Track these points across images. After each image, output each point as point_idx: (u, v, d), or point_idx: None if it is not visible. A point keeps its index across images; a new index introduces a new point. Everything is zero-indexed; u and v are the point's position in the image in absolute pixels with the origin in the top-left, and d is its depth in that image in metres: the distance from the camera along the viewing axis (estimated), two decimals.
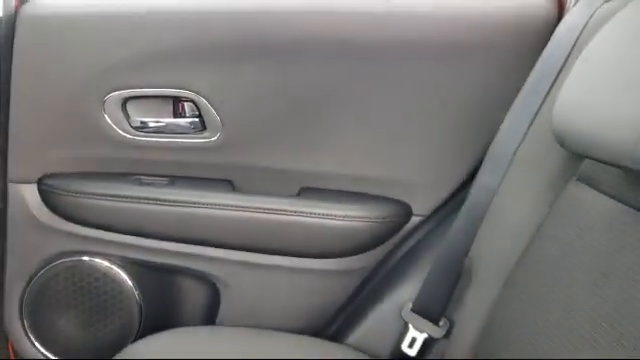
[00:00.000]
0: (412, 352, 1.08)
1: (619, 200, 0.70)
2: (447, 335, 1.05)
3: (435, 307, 1.08)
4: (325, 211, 1.17)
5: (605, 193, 0.73)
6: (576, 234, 0.76)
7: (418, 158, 1.18)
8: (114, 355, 1.00)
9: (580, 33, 0.96)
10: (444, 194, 1.18)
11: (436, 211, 1.19)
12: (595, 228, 0.72)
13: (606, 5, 0.96)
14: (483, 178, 1.05)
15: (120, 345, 1.06)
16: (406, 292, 1.15)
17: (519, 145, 0.99)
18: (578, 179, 0.80)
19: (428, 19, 1.10)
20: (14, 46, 1.09)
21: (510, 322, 0.82)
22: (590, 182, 0.77)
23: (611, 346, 0.60)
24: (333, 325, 1.22)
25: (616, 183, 0.72)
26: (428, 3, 1.11)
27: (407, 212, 1.20)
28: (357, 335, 1.17)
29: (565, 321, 0.69)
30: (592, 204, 0.75)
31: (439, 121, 1.15)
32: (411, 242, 1.21)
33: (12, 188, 1.15)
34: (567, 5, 1.09)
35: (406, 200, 1.20)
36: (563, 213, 0.81)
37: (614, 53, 0.74)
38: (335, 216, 1.17)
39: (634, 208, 0.67)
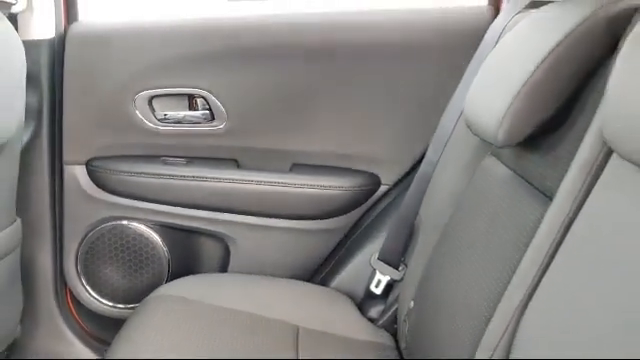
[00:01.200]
0: (378, 291, 1.38)
1: (510, 168, 0.97)
2: (404, 277, 1.34)
3: (395, 256, 1.37)
4: (311, 182, 1.46)
5: (504, 163, 1.01)
6: (483, 194, 1.04)
7: (385, 139, 1.46)
8: (148, 295, 1.31)
9: (498, 37, 1.22)
10: (405, 168, 1.46)
11: (399, 181, 1.48)
12: (494, 189, 1.00)
13: (516, 16, 1.22)
14: (429, 155, 1.33)
15: (153, 288, 1.36)
16: (374, 245, 1.44)
17: (453, 129, 1.27)
18: (491, 154, 1.08)
19: (388, 26, 1.38)
20: (65, 57, 1.39)
21: (443, 263, 1.11)
22: (497, 156, 1.04)
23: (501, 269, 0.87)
24: (319, 273, 1.52)
25: (510, 155, 1.00)
26: (389, 13, 1.39)
27: (377, 182, 1.49)
28: (337, 280, 1.48)
29: (467, 249, 0.98)
30: (495, 172, 1.02)
31: (401, 109, 1.43)
32: (380, 206, 1.51)
33: (67, 169, 1.46)
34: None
35: (376, 172, 1.49)
36: (478, 179, 1.08)
37: (499, 58, 1.01)
38: (320, 186, 1.46)
39: (515, 173, 0.94)
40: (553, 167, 0.82)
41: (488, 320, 0.82)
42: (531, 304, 0.74)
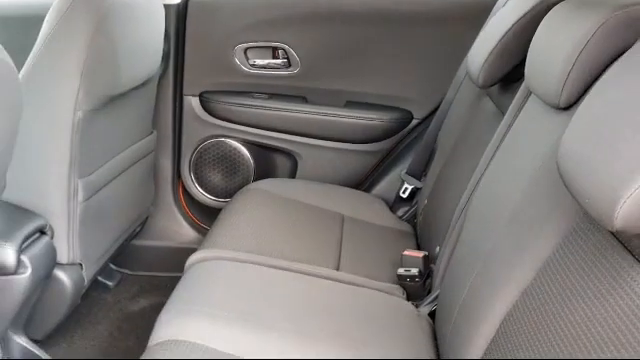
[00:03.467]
0: (404, 196, 1.89)
1: (494, 103, 1.44)
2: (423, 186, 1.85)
3: (418, 171, 1.88)
4: (359, 115, 1.97)
5: (492, 101, 1.48)
6: (474, 123, 1.52)
7: (416, 84, 1.94)
8: (240, 190, 1.85)
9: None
10: (431, 106, 1.94)
11: (427, 117, 1.96)
12: (483, 123, 1.47)
13: None
14: (448, 96, 1.81)
15: (242, 186, 1.90)
16: (404, 163, 1.95)
17: (464, 77, 1.74)
18: (486, 94, 1.54)
19: (419, 2, 1.85)
20: (187, 17, 1.92)
21: (446, 175, 1.59)
22: (490, 96, 1.51)
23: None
24: (363, 182, 2.05)
25: (496, 93, 1.45)
26: None
27: (409, 117, 1.98)
28: (376, 188, 2.01)
29: (460, 165, 1.48)
30: (486, 108, 1.50)
31: (428, 61, 1.90)
32: (412, 135, 2.00)
33: (185, 99, 2.01)
34: None
35: (409, 109, 1.98)
36: (474, 113, 1.56)
37: (494, 25, 1.45)
38: (366, 118, 1.97)
39: (497, 107, 1.41)
40: (510, 100, 1.29)
41: (464, 198, 1.33)
42: (473, 196, 1.24)
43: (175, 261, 1.61)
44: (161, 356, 1.05)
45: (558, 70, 0.93)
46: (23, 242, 1.24)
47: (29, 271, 1.25)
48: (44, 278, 1.33)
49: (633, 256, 0.70)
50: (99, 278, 1.90)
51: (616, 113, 0.69)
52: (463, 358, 0.99)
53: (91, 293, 1.89)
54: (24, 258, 1.24)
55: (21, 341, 1.42)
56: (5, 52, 0.92)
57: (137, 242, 2.02)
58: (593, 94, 0.77)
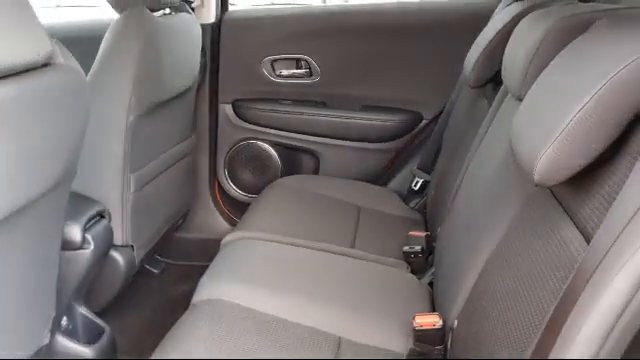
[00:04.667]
0: (416, 188, 2.10)
1: (488, 102, 1.64)
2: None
3: (427, 165, 2.08)
4: (374, 117, 2.20)
5: (486, 100, 1.68)
6: (472, 121, 1.72)
7: (425, 88, 2.16)
8: (269, 185, 2.09)
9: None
10: (439, 107, 2.15)
11: (435, 117, 2.17)
12: (479, 121, 1.67)
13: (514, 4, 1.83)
14: (452, 98, 2.02)
15: (270, 182, 2.14)
16: (415, 159, 2.17)
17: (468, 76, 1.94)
18: (482, 95, 1.74)
19: (426, 11, 2.07)
20: (220, 35, 2.18)
21: (449, 167, 1.79)
22: (485, 96, 1.72)
23: None
24: (378, 178, 2.27)
25: (489, 94, 1.65)
26: (426, 4, 2.07)
27: (419, 117, 2.20)
28: (390, 182, 2.22)
29: (462, 154, 1.69)
30: (482, 107, 1.70)
31: (435, 68, 2.11)
32: (422, 134, 2.21)
33: (220, 106, 2.27)
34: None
35: (419, 110, 2.20)
36: (473, 112, 1.76)
37: (485, 32, 1.65)
38: (380, 119, 2.20)
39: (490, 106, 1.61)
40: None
41: (457, 183, 1.53)
42: (462, 180, 1.45)
43: (212, 251, 1.82)
44: (204, 312, 1.28)
45: (519, 68, 1.14)
46: (87, 223, 1.50)
47: (91, 247, 1.50)
48: (103, 255, 1.59)
49: (563, 209, 0.90)
50: (146, 266, 2.15)
51: (544, 95, 0.90)
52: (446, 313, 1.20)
53: (138, 279, 2.15)
54: (87, 236, 1.49)
55: (82, 311, 1.67)
56: (79, 66, 1.18)
57: (178, 234, 2.27)
58: (535, 85, 0.98)
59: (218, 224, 2.36)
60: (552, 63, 0.98)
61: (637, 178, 0.66)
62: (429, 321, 1.22)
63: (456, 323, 1.17)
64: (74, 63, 1.18)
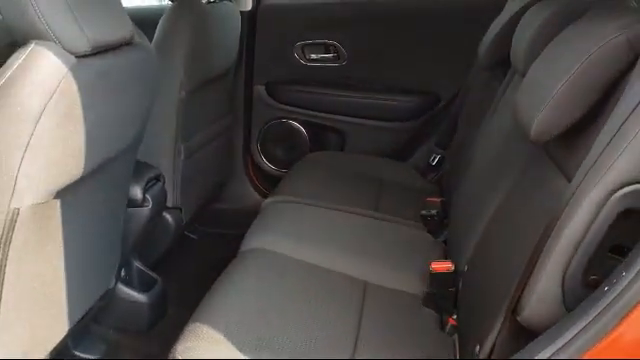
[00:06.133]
0: (433, 163, 2.30)
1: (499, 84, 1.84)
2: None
3: (445, 142, 2.28)
4: (396, 97, 2.40)
5: (498, 82, 1.87)
6: (485, 102, 1.92)
7: (443, 70, 2.35)
8: (301, 159, 2.30)
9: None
10: (456, 89, 2.34)
11: (452, 99, 2.37)
12: (491, 102, 1.87)
13: None
14: (467, 80, 2.21)
15: (299, 157, 2.35)
16: (433, 138, 2.36)
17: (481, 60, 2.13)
18: (494, 78, 1.93)
19: (442, 1, 2.26)
20: (257, 21, 2.39)
21: (464, 142, 1.99)
22: (497, 79, 1.91)
23: None
24: (399, 154, 2.47)
25: (501, 76, 1.84)
26: None
27: (437, 98, 2.40)
28: (410, 158, 2.43)
29: (478, 126, 1.89)
30: (494, 89, 1.89)
31: (453, 51, 2.30)
32: (440, 114, 2.41)
33: (255, 87, 2.49)
34: None
35: (437, 92, 2.39)
36: (486, 94, 1.95)
37: (499, 19, 1.84)
38: (401, 100, 2.40)
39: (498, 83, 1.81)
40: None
41: (469, 156, 1.73)
42: (474, 153, 1.65)
43: (244, 221, 1.91)
44: (251, 259, 1.50)
45: (524, 49, 1.34)
46: (146, 184, 1.72)
47: (150, 205, 1.72)
48: (158, 214, 1.81)
49: (555, 164, 1.10)
50: (185, 232, 2.38)
51: (542, 70, 1.10)
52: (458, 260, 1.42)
53: (180, 245, 2.38)
54: (147, 195, 1.72)
55: (137, 264, 1.90)
56: (151, 46, 1.40)
57: (215, 205, 2.50)
58: (535, 62, 1.18)
59: (250, 195, 2.58)
60: (550, 44, 1.18)
61: (610, 128, 0.86)
62: (443, 266, 1.43)
63: (466, 268, 1.38)
64: (147, 43, 1.40)
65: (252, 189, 2.58)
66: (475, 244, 1.37)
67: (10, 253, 1.07)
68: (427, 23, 2.30)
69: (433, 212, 1.81)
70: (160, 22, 1.83)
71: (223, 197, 2.54)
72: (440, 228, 1.81)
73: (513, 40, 1.50)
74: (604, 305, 0.74)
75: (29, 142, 0.99)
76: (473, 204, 1.48)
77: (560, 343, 0.76)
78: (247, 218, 1.88)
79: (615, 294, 0.74)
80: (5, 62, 1.01)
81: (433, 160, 2.30)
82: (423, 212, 1.82)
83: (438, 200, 1.84)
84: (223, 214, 2.56)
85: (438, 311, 1.41)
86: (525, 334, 0.89)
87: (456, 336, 1.35)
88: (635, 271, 0.73)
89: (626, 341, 0.73)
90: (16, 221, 1.05)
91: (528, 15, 1.47)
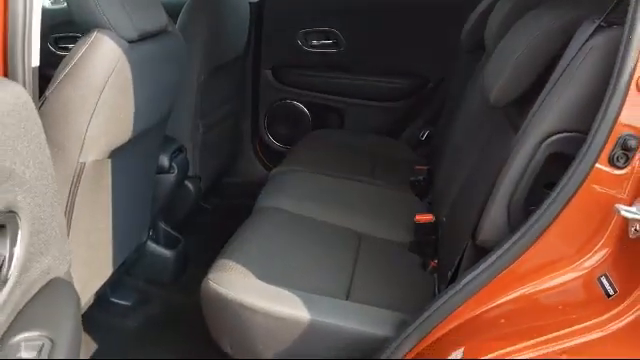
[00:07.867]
0: (423, 139, 2.57)
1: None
2: None
3: (434, 120, 2.55)
4: (389, 79, 2.67)
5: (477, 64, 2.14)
6: (467, 82, 2.18)
7: (432, 55, 2.61)
8: (304, 136, 2.57)
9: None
10: (443, 73, 2.61)
11: (440, 81, 2.63)
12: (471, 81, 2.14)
13: None
14: (453, 64, 2.47)
15: (302, 135, 2.61)
16: (423, 116, 2.63)
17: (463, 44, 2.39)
18: (475, 61, 2.20)
19: None
20: (264, 10, 2.65)
21: (448, 121, 2.26)
22: (477, 62, 2.18)
23: None
24: (391, 131, 2.73)
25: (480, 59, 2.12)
26: None
27: (427, 81, 2.67)
28: (402, 135, 2.69)
29: (457, 109, 2.16)
30: (475, 70, 2.15)
31: (441, 37, 2.55)
32: (429, 96, 2.67)
33: (262, 71, 2.74)
34: None
35: (426, 74, 2.66)
36: (468, 74, 2.22)
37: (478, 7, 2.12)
38: (393, 82, 2.66)
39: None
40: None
41: (449, 128, 2.01)
42: (454, 124, 1.93)
43: (252, 192, 2.16)
44: (265, 215, 1.77)
45: (494, 32, 1.61)
46: (172, 153, 1.99)
47: (175, 171, 1.99)
48: (182, 180, 2.09)
49: (510, 123, 1.38)
50: (200, 203, 2.65)
51: (504, 48, 1.38)
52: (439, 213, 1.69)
53: (196, 215, 2.64)
54: (173, 164, 1.99)
55: (162, 225, 2.18)
56: (178, 30, 1.67)
57: (226, 179, 2.77)
58: (500, 42, 1.45)
59: (257, 169, 2.85)
60: (512, 28, 1.45)
61: (544, 92, 1.12)
62: (426, 217, 1.71)
63: (444, 219, 1.66)
64: (176, 30, 1.67)
65: (259, 164, 2.85)
66: (452, 200, 1.64)
67: (77, 199, 1.34)
68: (418, 13, 2.56)
69: (420, 178, 2.08)
70: (182, 11, 2.09)
71: (233, 171, 2.80)
72: (426, 192, 2.09)
73: (487, 25, 1.77)
74: (531, 223, 1.02)
75: (95, 109, 1.26)
76: (452, 168, 1.76)
77: (499, 252, 1.04)
78: (254, 190, 2.11)
79: (538, 216, 1.01)
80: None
81: (422, 135, 2.57)
82: (412, 178, 2.09)
83: (425, 168, 2.12)
84: (233, 187, 2.83)
85: (422, 256, 1.69)
86: (483, 254, 1.17)
87: (436, 275, 1.62)
88: (552, 199, 1.01)
89: (550, 243, 1.01)
90: (82, 174, 1.32)
91: (500, 3, 1.73)
